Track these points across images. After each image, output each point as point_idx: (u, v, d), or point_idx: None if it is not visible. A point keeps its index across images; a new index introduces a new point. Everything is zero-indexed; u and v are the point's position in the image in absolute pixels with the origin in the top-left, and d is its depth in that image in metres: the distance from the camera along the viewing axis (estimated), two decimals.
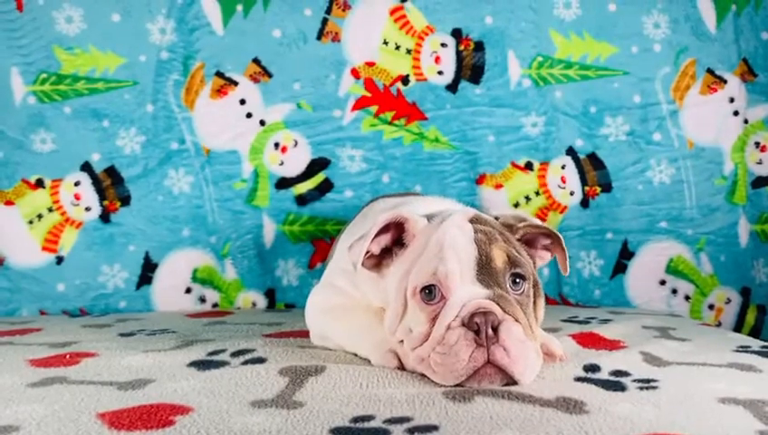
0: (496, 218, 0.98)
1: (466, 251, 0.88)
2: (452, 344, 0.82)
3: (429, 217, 0.96)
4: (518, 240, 0.96)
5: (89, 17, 1.68)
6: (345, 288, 1.07)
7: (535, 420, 0.67)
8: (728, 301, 1.76)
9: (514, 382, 0.81)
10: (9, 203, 1.66)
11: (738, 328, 1.75)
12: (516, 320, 0.84)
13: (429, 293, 0.87)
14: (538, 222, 1.00)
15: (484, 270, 0.87)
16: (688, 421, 0.68)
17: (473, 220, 0.93)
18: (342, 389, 0.79)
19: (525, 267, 0.90)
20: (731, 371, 0.91)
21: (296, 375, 0.84)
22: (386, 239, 0.96)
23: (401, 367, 0.88)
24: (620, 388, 0.81)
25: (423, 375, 0.85)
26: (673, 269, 1.76)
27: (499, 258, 0.88)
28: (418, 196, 1.38)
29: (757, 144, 1.77)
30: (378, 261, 0.97)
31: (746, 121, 1.78)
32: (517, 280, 0.89)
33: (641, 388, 0.81)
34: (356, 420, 0.67)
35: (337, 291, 1.08)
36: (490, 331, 0.81)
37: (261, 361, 0.93)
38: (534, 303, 0.91)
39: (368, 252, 0.94)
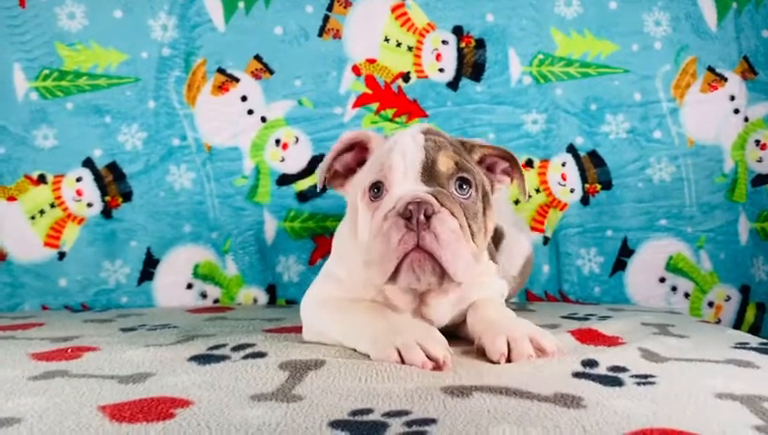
0: (455, 138, 1.02)
1: (413, 154, 0.91)
2: (385, 231, 0.84)
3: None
4: (477, 163, 1.00)
5: (91, 13, 1.69)
6: (340, 275, 1.06)
7: (533, 415, 0.68)
8: (728, 298, 1.77)
9: (443, 274, 0.83)
10: (11, 199, 1.66)
11: (737, 325, 1.75)
12: (452, 214, 0.86)
13: (377, 190, 0.90)
14: (495, 145, 1.04)
15: (429, 172, 0.90)
16: (685, 417, 0.68)
17: (426, 132, 0.97)
18: (341, 383, 0.79)
19: (472, 174, 0.93)
20: (729, 367, 0.92)
21: (296, 369, 0.85)
22: (348, 158, 0.99)
23: (401, 361, 0.88)
24: (618, 383, 0.81)
25: (422, 370, 0.85)
26: (673, 267, 1.76)
27: (444, 163, 0.91)
28: None
29: (757, 142, 1.78)
30: (343, 182, 1.00)
31: (747, 119, 1.78)
32: (463, 185, 0.92)
33: (639, 383, 0.81)
34: (355, 413, 0.68)
35: (335, 283, 1.07)
36: (422, 217, 0.83)
37: (261, 355, 0.93)
38: (484, 213, 0.94)
39: (332, 170, 0.97)
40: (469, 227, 0.91)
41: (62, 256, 1.67)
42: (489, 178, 1.00)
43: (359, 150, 0.98)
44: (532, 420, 0.66)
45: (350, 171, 0.99)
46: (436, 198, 0.86)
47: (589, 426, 0.64)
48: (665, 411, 0.70)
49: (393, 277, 0.87)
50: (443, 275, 0.84)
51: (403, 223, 0.84)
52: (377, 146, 0.98)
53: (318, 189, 0.97)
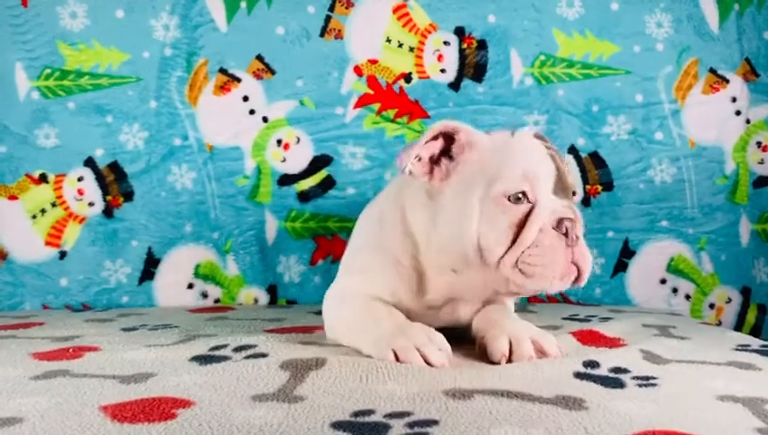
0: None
1: (548, 165, 0.96)
2: (547, 246, 0.90)
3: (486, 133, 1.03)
4: None
5: (93, 13, 1.69)
6: (373, 268, 1.06)
7: (534, 416, 0.68)
8: (729, 300, 1.77)
9: (581, 281, 0.93)
10: (13, 198, 1.66)
11: (739, 327, 1.75)
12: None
13: (517, 198, 0.93)
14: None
15: (560, 184, 0.96)
16: (686, 418, 0.68)
17: (536, 137, 1.03)
18: (343, 383, 0.79)
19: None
20: (730, 369, 0.92)
21: (297, 370, 0.85)
22: (436, 147, 0.99)
23: (397, 359, 0.89)
24: (619, 385, 0.81)
25: (422, 370, 0.85)
26: (674, 268, 1.76)
27: (570, 177, 1.01)
28: None
29: (759, 144, 1.78)
30: (429, 169, 0.99)
31: (748, 121, 1.78)
32: (573, 194, 1.00)
33: (640, 385, 0.81)
34: (357, 414, 0.68)
35: (365, 278, 1.08)
36: (575, 236, 0.92)
37: (262, 355, 0.93)
38: None
39: (418, 157, 0.97)
40: None
41: (63, 255, 1.67)
42: None
43: (444, 141, 0.98)
44: (534, 422, 0.66)
45: (432, 160, 0.99)
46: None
47: (591, 428, 0.64)
48: (666, 413, 0.70)
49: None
50: (579, 280, 0.93)
51: (564, 241, 0.91)
52: (467, 137, 0.99)
53: (402, 173, 0.97)
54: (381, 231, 1.08)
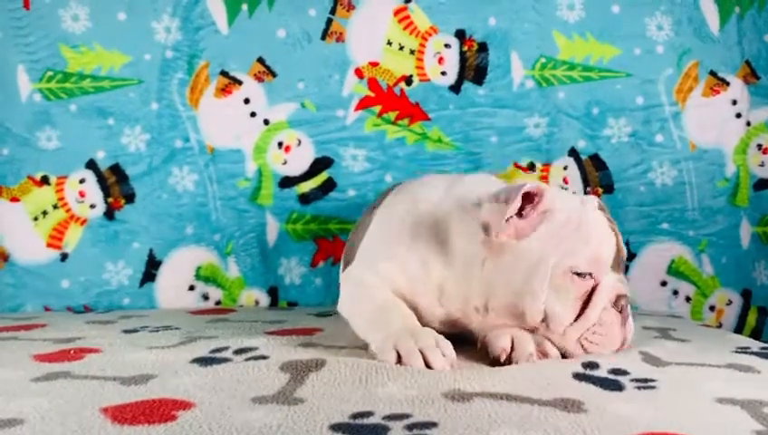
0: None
1: (611, 243, 1.00)
2: (608, 324, 0.96)
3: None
4: None
5: (95, 16, 1.69)
6: (396, 262, 1.07)
7: (533, 418, 0.68)
8: (729, 302, 1.77)
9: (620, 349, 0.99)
10: (14, 200, 1.67)
11: (739, 330, 1.75)
12: None
13: (582, 274, 0.96)
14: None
15: (616, 259, 1.00)
16: (685, 421, 0.69)
17: (602, 210, 1.05)
18: (342, 385, 0.79)
19: None
20: (729, 371, 0.92)
21: (297, 371, 0.85)
22: (516, 207, 0.98)
23: (399, 361, 0.90)
24: (618, 387, 0.82)
25: (421, 372, 0.86)
26: (674, 270, 1.76)
27: (623, 253, 1.03)
28: (461, 175, 1.38)
29: (759, 146, 1.78)
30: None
31: (749, 124, 1.78)
32: None
33: (639, 387, 0.82)
34: (356, 416, 0.68)
35: (381, 263, 1.08)
36: (627, 312, 0.99)
37: (263, 357, 0.94)
38: None
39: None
40: None
41: (64, 257, 1.68)
42: None
43: (523, 199, 0.98)
44: (532, 424, 0.66)
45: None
46: None
47: (590, 430, 0.65)
48: (665, 415, 0.71)
49: None
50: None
51: (620, 319, 0.98)
52: (548, 201, 0.98)
53: (489, 236, 0.98)
54: (416, 233, 1.07)
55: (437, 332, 0.96)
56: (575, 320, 0.96)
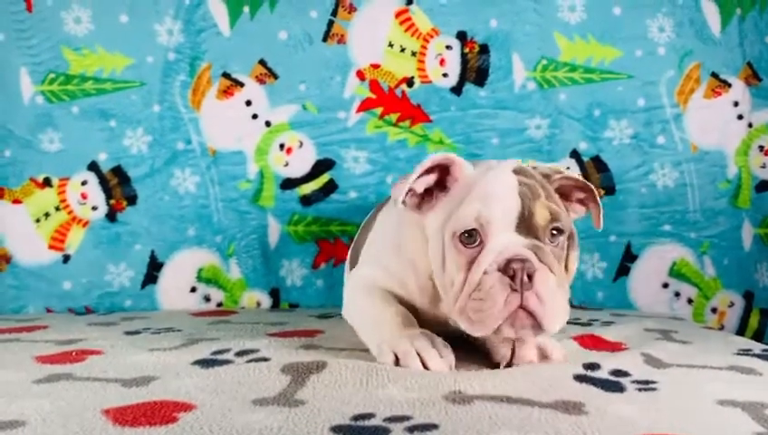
0: (534, 169, 0.99)
1: (510, 202, 0.89)
2: (488, 289, 0.84)
3: (474, 165, 0.98)
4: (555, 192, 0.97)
5: (97, 18, 1.70)
6: (393, 269, 1.06)
7: (534, 420, 0.68)
8: (731, 304, 1.76)
9: (540, 328, 0.84)
10: (17, 202, 1.67)
11: (741, 332, 1.74)
12: (551, 271, 0.86)
13: (469, 236, 0.89)
14: (574, 174, 1.01)
15: (525, 223, 0.88)
16: (686, 422, 0.69)
17: (516, 171, 0.95)
18: (343, 387, 0.80)
19: (564, 221, 0.91)
20: (731, 373, 0.92)
21: (298, 373, 0.85)
22: (430, 180, 0.97)
23: (396, 363, 0.90)
24: (619, 389, 0.82)
25: (422, 374, 0.86)
26: (676, 272, 1.76)
27: (541, 216, 0.89)
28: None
29: (761, 148, 1.77)
30: (419, 202, 0.98)
31: (750, 125, 1.78)
32: (555, 232, 0.90)
33: (640, 389, 0.82)
34: (356, 418, 0.68)
35: (388, 274, 1.08)
36: (525, 277, 0.83)
37: (264, 359, 0.94)
38: (567, 255, 0.93)
39: (410, 190, 0.95)
40: None
41: (66, 258, 1.68)
42: (564, 205, 0.98)
43: (439, 172, 0.96)
44: (533, 426, 0.66)
45: (427, 193, 0.98)
46: (536, 254, 0.86)
47: (590, 432, 0.65)
48: (666, 417, 0.71)
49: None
50: (540, 328, 0.85)
51: (507, 283, 0.83)
52: (460, 173, 0.96)
53: (397, 205, 0.96)
54: (402, 237, 1.07)
55: (440, 333, 0.96)
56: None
